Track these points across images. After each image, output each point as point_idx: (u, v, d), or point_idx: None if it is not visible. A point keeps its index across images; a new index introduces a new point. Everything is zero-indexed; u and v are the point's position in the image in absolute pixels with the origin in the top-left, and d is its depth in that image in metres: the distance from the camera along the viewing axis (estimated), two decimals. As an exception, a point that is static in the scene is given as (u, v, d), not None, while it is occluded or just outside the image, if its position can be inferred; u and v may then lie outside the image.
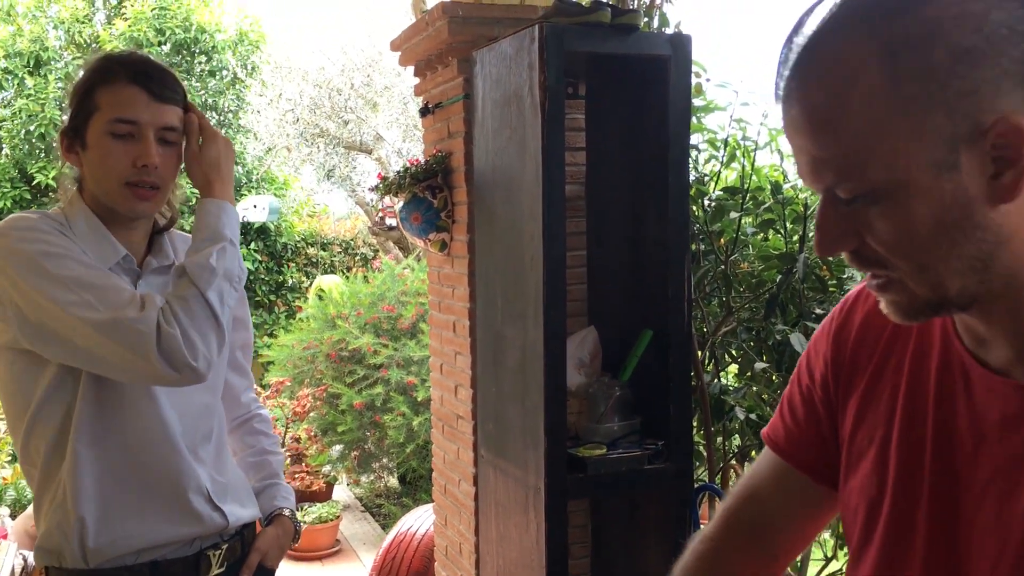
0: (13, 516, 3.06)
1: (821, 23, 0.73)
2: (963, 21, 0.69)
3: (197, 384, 1.47)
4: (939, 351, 0.86)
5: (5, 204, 9.72)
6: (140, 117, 1.46)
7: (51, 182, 9.84)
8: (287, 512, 1.80)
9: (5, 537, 2.18)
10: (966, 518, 0.81)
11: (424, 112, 3.09)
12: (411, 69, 3.25)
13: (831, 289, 2.86)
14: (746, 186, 2.86)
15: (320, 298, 6.94)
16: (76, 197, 1.53)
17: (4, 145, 10.11)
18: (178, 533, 1.55)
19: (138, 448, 1.50)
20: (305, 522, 5.54)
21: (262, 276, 10.31)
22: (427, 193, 2.87)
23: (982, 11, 0.69)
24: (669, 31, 2.73)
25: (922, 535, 0.84)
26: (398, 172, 2.92)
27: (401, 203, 2.91)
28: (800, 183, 3.02)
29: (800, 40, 0.75)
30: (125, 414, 1.49)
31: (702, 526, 2.69)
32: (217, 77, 10.33)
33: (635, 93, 2.51)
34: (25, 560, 2.14)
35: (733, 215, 2.85)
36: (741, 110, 2.89)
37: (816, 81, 0.73)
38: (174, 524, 1.54)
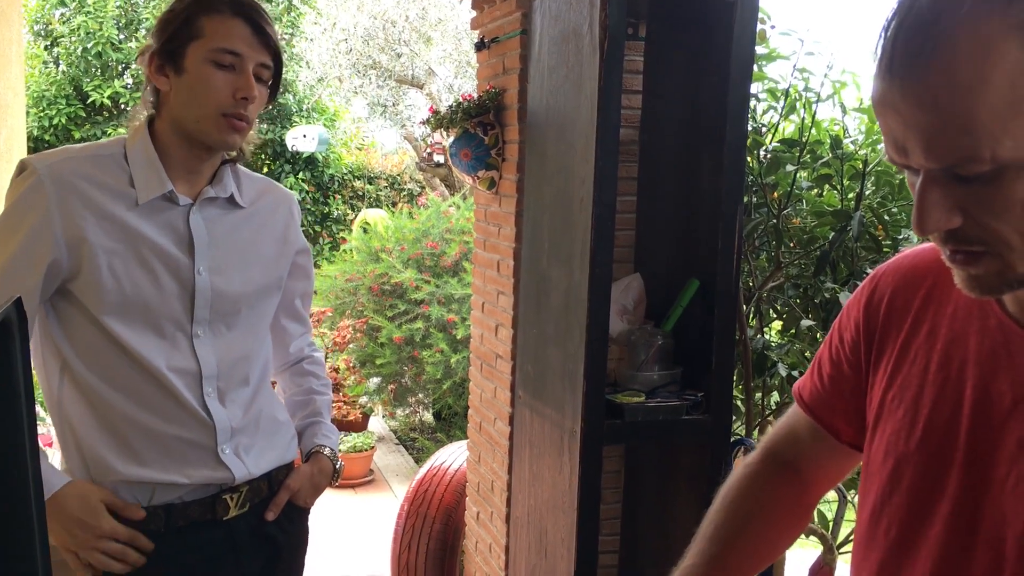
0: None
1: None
2: None
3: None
4: (978, 317, 0.88)
5: (60, 120, 9.84)
6: (244, 50, 1.48)
7: (106, 100, 9.91)
8: (326, 451, 1.77)
9: (51, 446, 2.24)
10: (998, 478, 0.83)
11: (480, 46, 3.04)
12: (467, 3, 3.20)
13: (885, 249, 2.80)
14: (804, 139, 2.79)
15: (365, 231, 6.98)
16: (142, 126, 1.54)
17: (61, 62, 10.19)
18: (179, 481, 1.53)
19: (136, 399, 1.49)
20: (340, 450, 5.64)
21: (308, 207, 10.38)
22: (478, 129, 2.84)
23: None
24: (736, -26, 2.65)
25: (951, 492, 0.87)
26: (450, 107, 2.88)
27: (452, 139, 2.89)
28: (862, 139, 2.95)
29: (915, 14, 0.73)
30: (118, 363, 1.48)
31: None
32: (272, 3, 10.30)
33: (697, 37, 2.45)
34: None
35: (789, 168, 2.78)
36: (805, 60, 2.81)
37: (950, 57, 0.71)
38: (174, 474, 1.52)
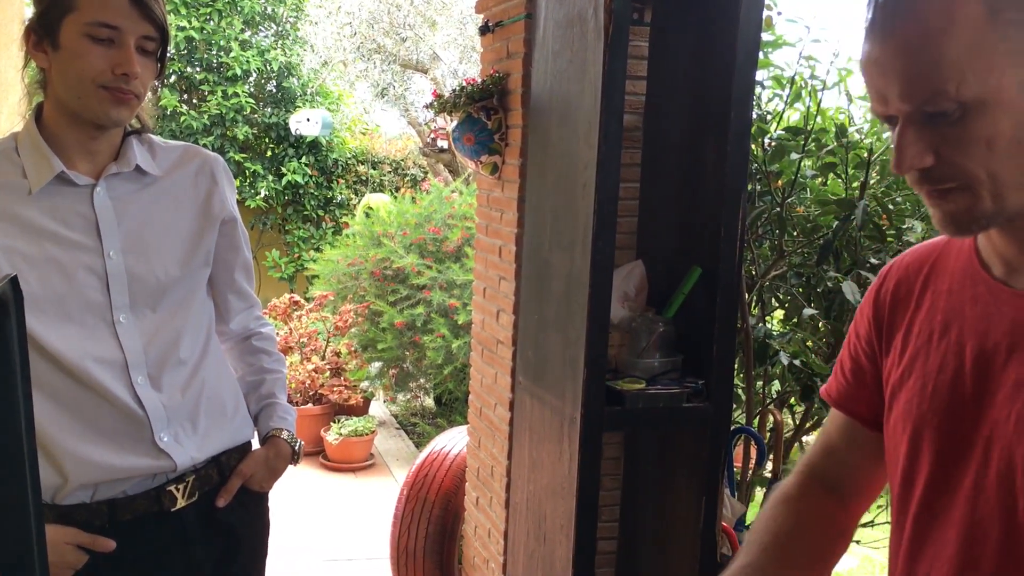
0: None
1: None
2: None
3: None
4: (970, 287, 0.98)
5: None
6: (122, 23, 1.37)
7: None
8: (284, 435, 1.71)
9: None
10: (1001, 419, 0.91)
11: (484, 30, 3.03)
12: (473, -14, 3.18)
13: (889, 239, 2.78)
14: (809, 127, 2.78)
15: (367, 216, 6.97)
16: (30, 113, 1.46)
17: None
18: (120, 473, 1.47)
19: (63, 405, 1.42)
20: (341, 434, 5.65)
21: (311, 191, 10.34)
22: (482, 114, 2.82)
23: None
24: (743, -40, 2.62)
25: (968, 442, 0.94)
26: (454, 90, 2.87)
27: (455, 123, 2.87)
28: (867, 128, 2.94)
29: None
30: (40, 368, 1.39)
31: (735, 469, 2.69)
32: (277, -15, 10.24)
33: (702, 23, 2.43)
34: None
35: (793, 156, 2.77)
36: (811, 47, 2.79)
37: (924, 9, 0.84)
38: (113, 465, 1.46)
